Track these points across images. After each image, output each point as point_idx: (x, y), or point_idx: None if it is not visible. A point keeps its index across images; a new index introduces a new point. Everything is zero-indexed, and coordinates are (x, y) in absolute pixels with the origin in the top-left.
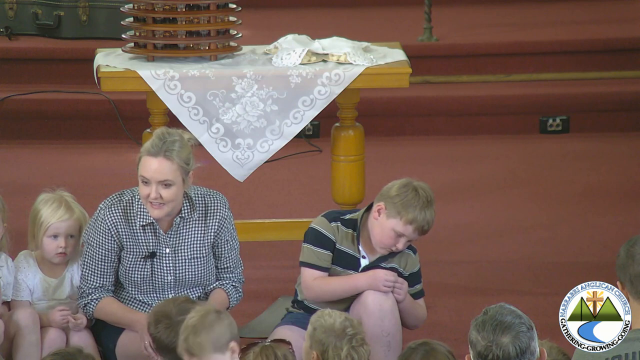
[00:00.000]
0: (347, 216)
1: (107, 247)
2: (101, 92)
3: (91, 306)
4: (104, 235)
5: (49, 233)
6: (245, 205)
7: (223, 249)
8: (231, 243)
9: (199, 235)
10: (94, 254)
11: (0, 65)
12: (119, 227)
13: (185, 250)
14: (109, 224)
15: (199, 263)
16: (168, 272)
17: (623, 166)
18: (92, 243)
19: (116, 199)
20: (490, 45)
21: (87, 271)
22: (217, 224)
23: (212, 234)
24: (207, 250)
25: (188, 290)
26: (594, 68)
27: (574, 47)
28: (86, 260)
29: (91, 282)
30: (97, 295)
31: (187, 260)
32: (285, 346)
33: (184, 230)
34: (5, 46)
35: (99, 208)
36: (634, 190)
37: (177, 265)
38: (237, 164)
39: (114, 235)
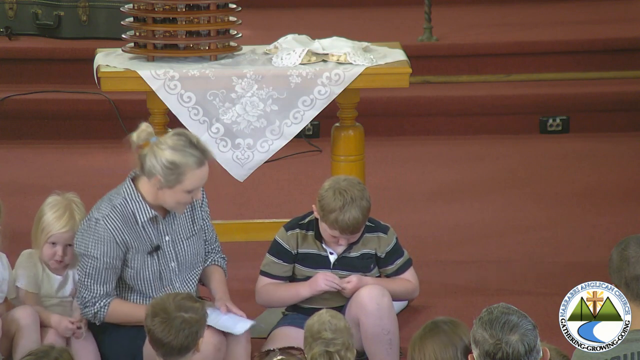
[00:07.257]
0: (307, 219)
1: (112, 255)
2: (101, 92)
3: (102, 313)
4: (108, 246)
5: (49, 240)
6: (245, 205)
7: (206, 222)
8: (207, 216)
9: (188, 214)
10: (97, 265)
11: (0, 65)
12: (123, 232)
13: (182, 232)
14: (112, 233)
15: (194, 241)
16: (172, 258)
17: (623, 166)
18: (95, 255)
19: (109, 207)
20: (490, 45)
21: (90, 281)
22: (197, 200)
23: (198, 209)
24: (198, 227)
25: (189, 274)
26: (594, 68)
27: (574, 47)
28: (88, 271)
29: (96, 292)
30: (105, 301)
31: (184, 241)
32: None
33: (177, 213)
34: (5, 46)
35: (95, 220)
36: (634, 190)
37: (177, 249)
38: (237, 164)
39: (120, 242)
